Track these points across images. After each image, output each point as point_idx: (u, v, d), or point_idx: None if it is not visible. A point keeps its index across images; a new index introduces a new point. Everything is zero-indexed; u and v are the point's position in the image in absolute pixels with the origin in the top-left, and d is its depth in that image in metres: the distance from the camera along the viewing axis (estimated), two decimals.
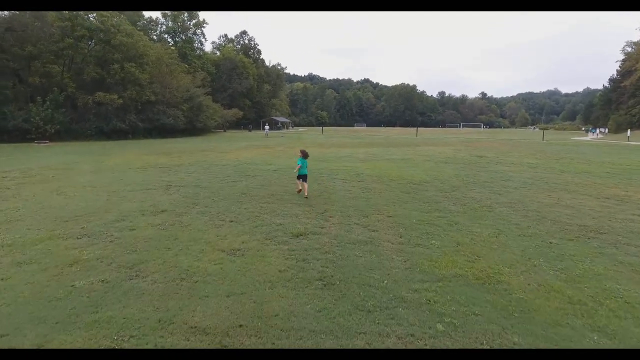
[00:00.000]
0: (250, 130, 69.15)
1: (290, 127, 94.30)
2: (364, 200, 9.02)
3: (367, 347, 3.18)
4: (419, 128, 79.05)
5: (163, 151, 23.20)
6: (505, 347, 3.21)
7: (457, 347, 3.19)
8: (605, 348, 3.26)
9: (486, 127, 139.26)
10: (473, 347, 3.20)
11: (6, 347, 3.14)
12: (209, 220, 7.07)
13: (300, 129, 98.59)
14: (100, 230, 6.33)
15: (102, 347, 3.13)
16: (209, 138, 42.61)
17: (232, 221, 7.00)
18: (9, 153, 21.47)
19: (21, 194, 9.53)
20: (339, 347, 3.16)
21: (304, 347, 3.16)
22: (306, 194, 9.17)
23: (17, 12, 34.13)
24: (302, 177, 9.36)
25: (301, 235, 6.16)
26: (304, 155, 9.37)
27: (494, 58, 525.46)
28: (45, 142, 30.15)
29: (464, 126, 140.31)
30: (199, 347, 3.14)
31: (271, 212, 7.75)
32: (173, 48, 58.94)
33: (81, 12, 37.62)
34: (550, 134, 64.69)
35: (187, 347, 3.14)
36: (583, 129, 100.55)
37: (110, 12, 41.01)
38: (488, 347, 3.20)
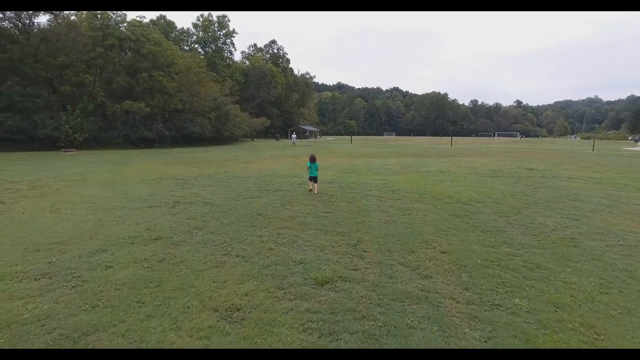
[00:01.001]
0: (277, 139, 68.43)
1: (318, 136, 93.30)
2: (405, 226, 7.25)
3: None
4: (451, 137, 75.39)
5: (184, 161, 22.21)
6: None
7: None
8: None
9: (522, 137, 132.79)
10: None
11: None
12: (210, 254, 5.52)
13: (328, 137, 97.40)
14: (68, 268, 4.92)
15: None
16: (235, 147, 41.84)
17: (238, 256, 5.43)
18: (30, 161, 21.06)
19: (11, 211, 8.39)
20: None
21: None
22: (315, 191, 10.67)
23: (53, 23, 34.81)
24: (313, 178, 10.80)
25: (327, 282, 4.50)
26: (312, 159, 10.80)
27: (529, 66, 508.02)
28: (72, 151, 30.08)
29: (498, 135, 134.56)
30: None
31: (290, 242, 6.13)
32: (202, 57, 59.28)
33: (112, 22, 38.00)
34: (598, 144, 60.06)
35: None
36: (630, 138, 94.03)
37: (140, 21, 41.40)
38: None
